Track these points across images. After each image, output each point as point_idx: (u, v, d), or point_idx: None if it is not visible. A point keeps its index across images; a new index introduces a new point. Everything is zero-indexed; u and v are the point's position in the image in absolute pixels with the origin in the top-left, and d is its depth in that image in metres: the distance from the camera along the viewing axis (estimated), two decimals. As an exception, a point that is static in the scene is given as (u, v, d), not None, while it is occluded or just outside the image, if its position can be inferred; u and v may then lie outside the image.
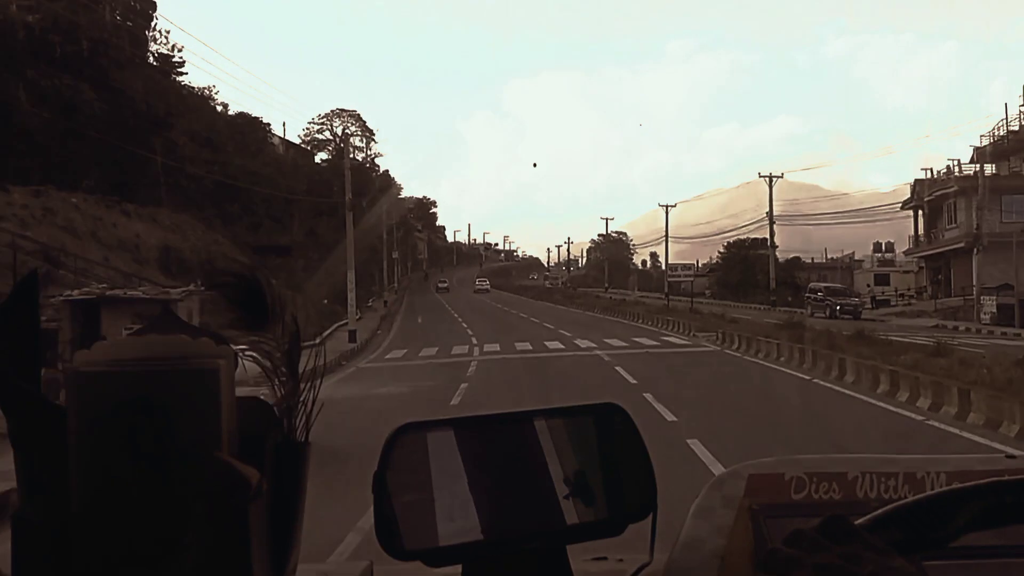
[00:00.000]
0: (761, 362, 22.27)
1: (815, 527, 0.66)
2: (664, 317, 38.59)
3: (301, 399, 1.07)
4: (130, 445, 0.97)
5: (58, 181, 35.48)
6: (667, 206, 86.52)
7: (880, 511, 0.70)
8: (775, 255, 67.26)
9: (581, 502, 1.05)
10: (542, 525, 1.03)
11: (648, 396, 14.85)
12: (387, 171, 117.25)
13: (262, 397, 1.06)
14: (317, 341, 36.08)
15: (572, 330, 34.85)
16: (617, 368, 20.79)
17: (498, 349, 27.95)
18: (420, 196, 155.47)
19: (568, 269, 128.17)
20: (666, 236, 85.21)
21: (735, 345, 26.09)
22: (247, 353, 1.05)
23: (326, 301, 52.46)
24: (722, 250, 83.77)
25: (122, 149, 39.28)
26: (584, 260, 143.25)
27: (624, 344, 28.52)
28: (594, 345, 28.08)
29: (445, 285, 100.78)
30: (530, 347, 28.30)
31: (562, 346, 28.72)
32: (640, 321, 41.22)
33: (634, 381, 18.14)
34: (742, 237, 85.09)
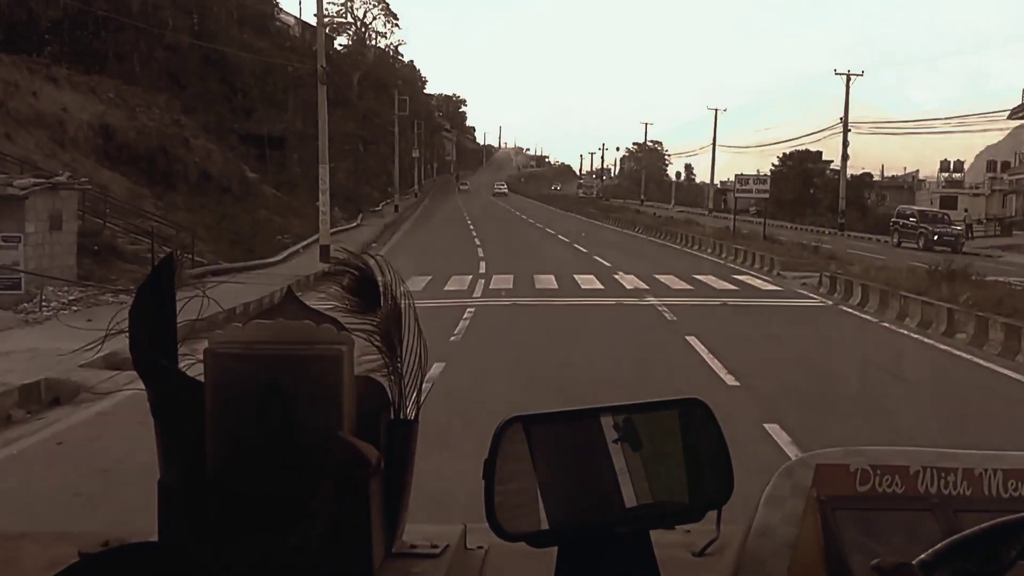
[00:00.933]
0: (930, 341, 13.72)
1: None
2: (729, 244, 30.22)
3: (410, 380, 1.16)
4: (261, 423, 1.07)
5: (14, 47, 28.67)
6: (716, 110, 74.49)
7: (940, 546, 0.74)
8: (846, 169, 55.91)
9: (666, 489, 1.15)
10: (630, 510, 1.11)
11: (791, 449, 5.04)
12: (411, 62, 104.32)
13: (375, 378, 1.11)
14: (280, 257, 26.72)
15: (611, 257, 26.99)
16: (691, 340, 12.85)
17: (511, 287, 20.25)
18: (450, 94, 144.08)
19: (601, 179, 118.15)
20: (713, 144, 73.74)
21: (856, 299, 17.90)
22: (358, 333, 1.10)
23: (319, 203, 41.82)
24: (775, 163, 71.94)
25: (90, 11, 32.18)
26: (617, 170, 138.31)
27: (686, 286, 20.60)
28: (644, 286, 20.28)
29: (466, 187, 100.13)
30: (555, 284, 20.45)
31: (600, 285, 20.70)
32: (695, 247, 33.07)
33: (733, 381, 10.23)
34: (796, 148, 72.50)
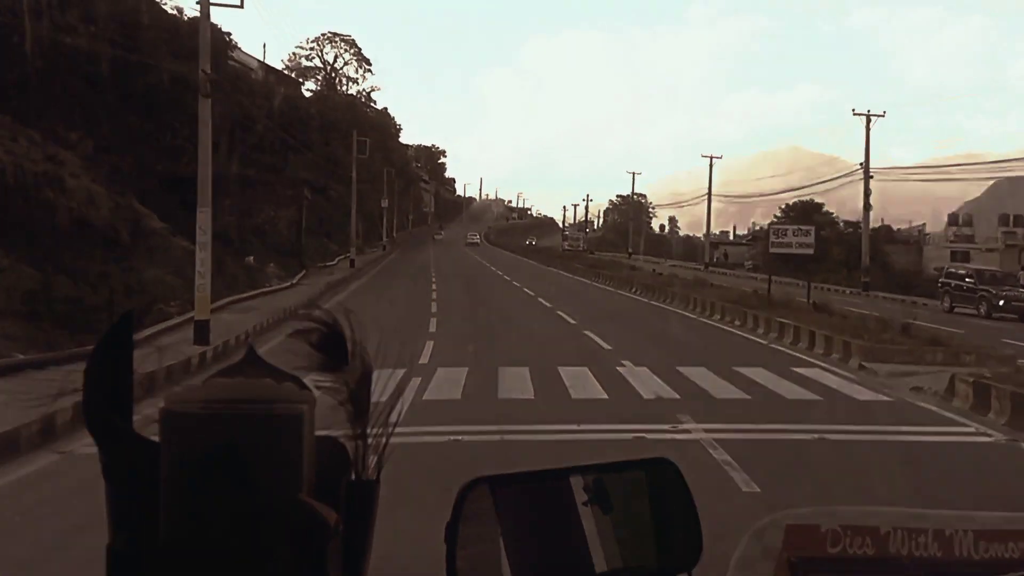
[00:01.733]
0: None
1: None
2: (766, 315, 21.87)
3: (372, 438, 1.12)
4: (218, 487, 1.03)
5: None
6: (711, 157, 67.14)
7: None
8: (868, 220, 47.88)
9: (632, 552, 1.12)
10: (598, 572, 1.09)
11: None
12: (385, 108, 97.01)
13: (337, 437, 1.07)
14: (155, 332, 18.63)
15: (611, 333, 19.56)
16: None
17: (458, 395, 12.36)
18: (429, 145, 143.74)
19: (585, 231, 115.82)
20: (709, 194, 65.88)
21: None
22: (321, 389, 1.08)
23: (252, 259, 32.72)
24: (778, 215, 64.03)
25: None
26: (600, 222, 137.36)
27: (735, 390, 12.86)
28: (669, 391, 12.52)
29: (440, 237, 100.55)
30: (530, 389, 12.67)
31: (600, 389, 12.84)
32: (716, 315, 24.90)
33: None
34: (800, 199, 64.85)
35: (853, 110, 46.00)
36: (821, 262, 67.17)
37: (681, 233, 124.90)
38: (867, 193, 43.52)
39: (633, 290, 33.91)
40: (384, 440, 1.15)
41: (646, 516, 1.16)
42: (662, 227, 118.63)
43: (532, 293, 30.31)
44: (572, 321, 21.27)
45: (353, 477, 1.13)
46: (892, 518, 1.10)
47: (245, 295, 25.91)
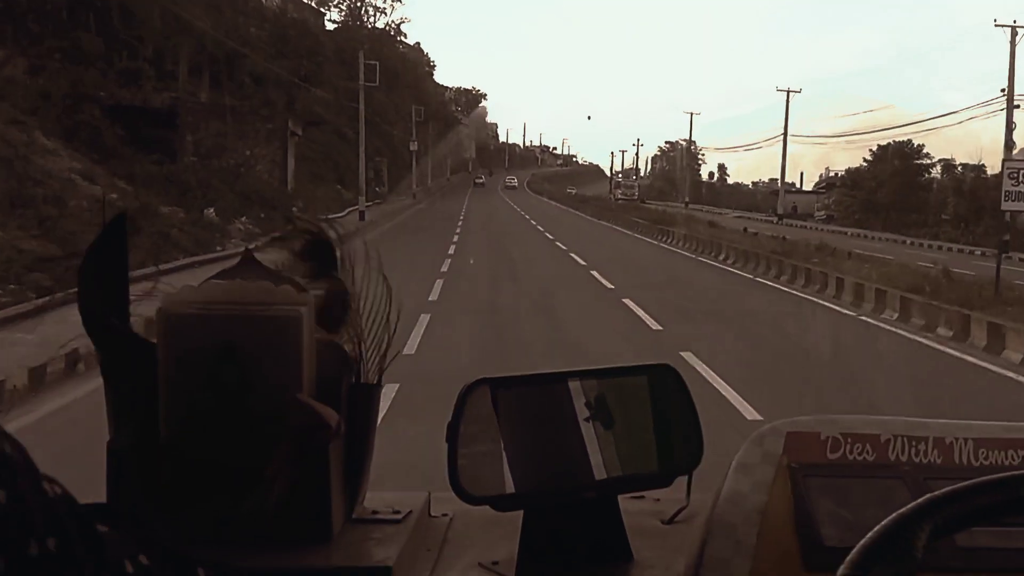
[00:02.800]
0: None
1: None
2: (982, 317, 12.42)
3: (373, 344, 1.13)
4: (215, 385, 1.04)
5: None
6: (788, 91, 55.39)
7: (854, 553, 0.74)
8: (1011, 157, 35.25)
9: (635, 454, 1.14)
10: (598, 475, 1.11)
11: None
12: (418, 43, 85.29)
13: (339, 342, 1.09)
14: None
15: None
16: None
17: None
18: (468, 87, 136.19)
19: (637, 177, 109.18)
20: (785, 133, 54.33)
21: None
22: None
23: (212, 211, 27.47)
24: (867, 158, 52.38)
25: None
26: (647, 169, 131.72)
27: None
28: None
29: (482, 181, 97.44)
30: None
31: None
32: (894, 313, 15.05)
33: None
34: (889, 142, 53.39)
35: (995, 21, 33.91)
36: (920, 212, 55.32)
37: (730, 181, 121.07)
38: (1010, 127, 31.95)
39: (727, 259, 25.82)
40: (384, 346, 1.16)
41: (647, 421, 1.17)
42: (711, 175, 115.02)
43: (595, 272, 20.96)
44: (703, 371, 9.83)
45: (354, 380, 1.15)
46: (893, 426, 1.12)
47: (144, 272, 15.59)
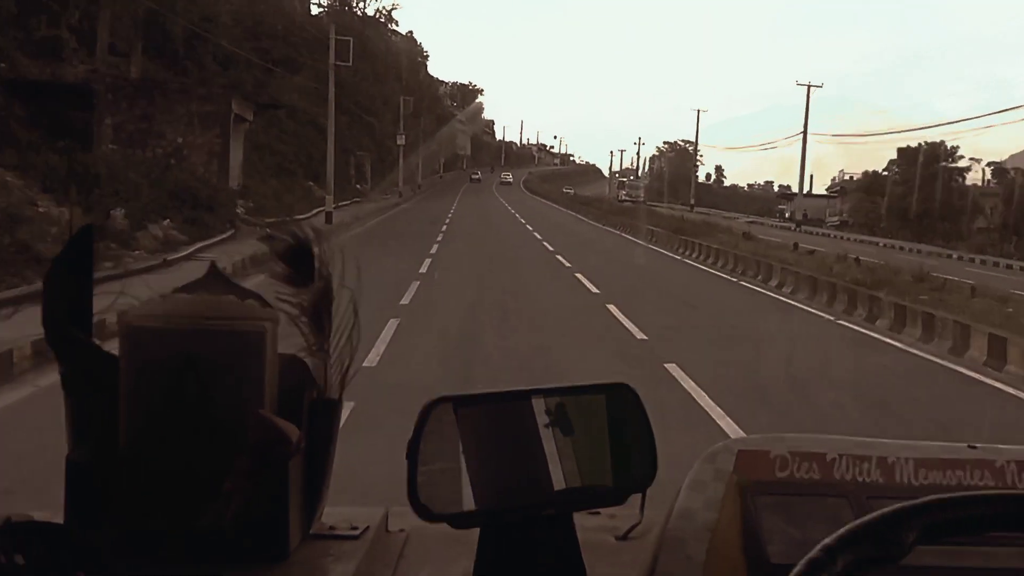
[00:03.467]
0: None
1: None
2: None
3: (336, 358, 1.14)
4: (176, 399, 1.05)
5: None
6: (808, 86, 49.96)
7: (842, 531, 0.78)
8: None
9: (590, 472, 1.16)
10: (554, 492, 1.13)
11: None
12: (411, 32, 79.50)
13: (300, 355, 1.11)
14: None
15: None
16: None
17: None
18: (465, 82, 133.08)
19: (635, 177, 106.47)
20: (804, 132, 48.65)
21: None
22: (282, 308, 1.10)
23: (121, 212, 20.84)
24: (892, 159, 46.45)
25: None
26: (645, 170, 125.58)
27: None
28: None
29: (478, 177, 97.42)
30: None
31: None
32: None
33: None
34: (921, 143, 47.43)
35: None
36: (951, 221, 49.34)
37: (727, 183, 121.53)
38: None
39: (788, 289, 19.16)
40: (347, 361, 1.17)
41: (604, 437, 1.18)
42: (708, 176, 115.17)
43: (613, 307, 15.01)
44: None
45: (316, 396, 1.16)
46: (838, 445, 1.16)
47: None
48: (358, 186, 51.40)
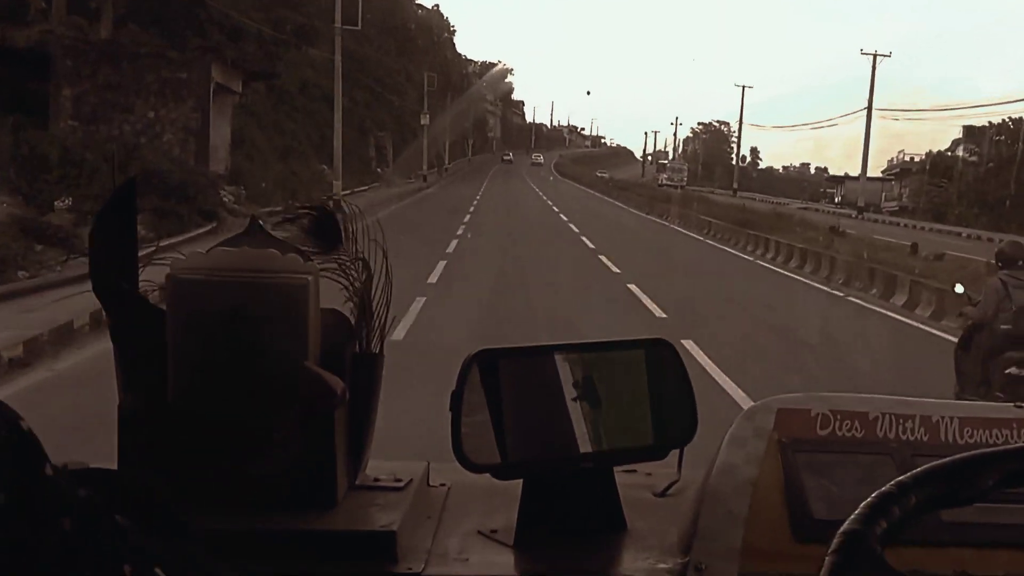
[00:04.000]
0: None
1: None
2: None
3: (376, 313, 1.19)
4: (224, 349, 1.07)
5: None
6: (875, 54, 43.41)
7: (923, 469, 0.79)
8: None
9: (630, 427, 1.19)
10: (595, 447, 1.17)
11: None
12: (436, 6, 74.55)
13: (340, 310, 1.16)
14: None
15: None
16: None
17: None
18: (494, 61, 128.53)
19: (677, 158, 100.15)
20: (869, 107, 42.48)
21: None
22: (323, 271, 1.14)
23: (68, 201, 16.35)
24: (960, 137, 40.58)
25: None
26: (679, 152, 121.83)
27: None
28: None
29: (509, 158, 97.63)
30: None
31: None
32: None
33: None
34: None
35: None
36: None
37: (762, 165, 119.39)
38: None
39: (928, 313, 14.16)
40: (385, 315, 1.21)
41: (644, 393, 1.20)
42: (743, 158, 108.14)
43: (691, 344, 9.25)
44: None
45: (358, 349, 1.19)
46: (880, 404, 1.17)
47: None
48: (379, 169, 46.84)
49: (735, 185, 68.03)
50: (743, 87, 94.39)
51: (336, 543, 1.09)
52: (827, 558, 0.72)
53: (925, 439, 1.13)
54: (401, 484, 1.21)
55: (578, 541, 1.16)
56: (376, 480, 1.22)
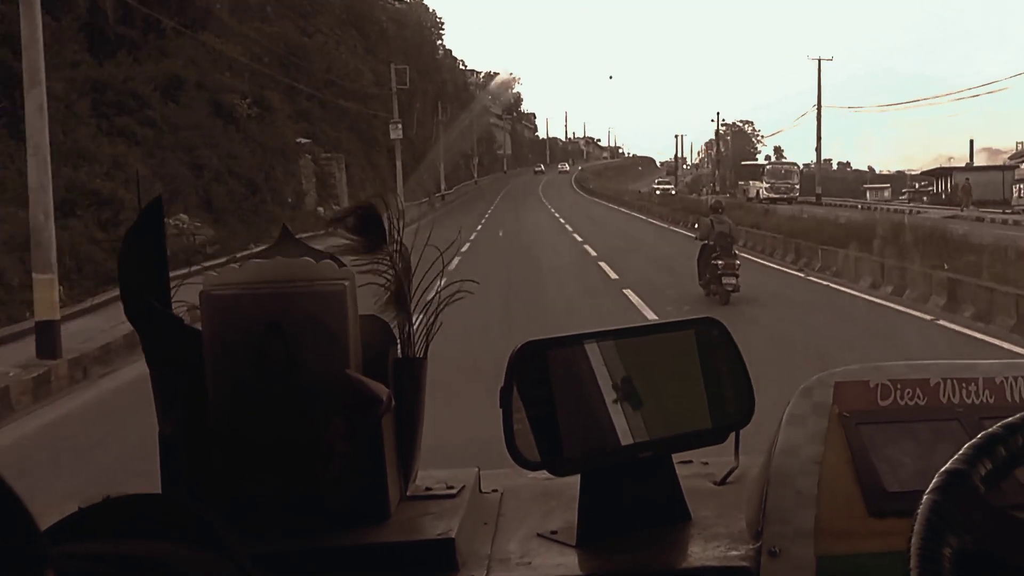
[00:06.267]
0: None
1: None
2: None
3: (418, 317, 1.19)
4: (262, 366, 1.05)
5: None
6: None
7: (1015, 418, 0.80)
8: None
9: (687, 411, 1.17)
10: (652, 434, 1.15)
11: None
12: (433, 10, 72.45)
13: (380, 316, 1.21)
14: None
15: None
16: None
17: None
18: (499, 72, 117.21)
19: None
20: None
21: None
22: (366, 273, 1.18)
23: None
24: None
25: None
26: (702, 157, 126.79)
27: None
28: None
29: (541, 169, 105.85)
30: None
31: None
32: None
33: None
34: None
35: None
36: None
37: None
38: None
39: None
40: (430, 318, 1.18)
41: (697, 375, 1.15)
42: (768, 158, 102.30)
43: None
44: None
45: (400, 354, 1.18)
46: (940, 370, 1.13)
47: None
48: (320, 209, 29.24)
49: (818, 191, 50.30)
50: (819, 59, 71.06)
51: (393, 555, 1.07)
52: (926, 496, 0.70)
53: (991, 401, 1.09)
54: (454, 492, 1.19)
55: (643, 535, 1.14)
56: (428, 489, 1.21)
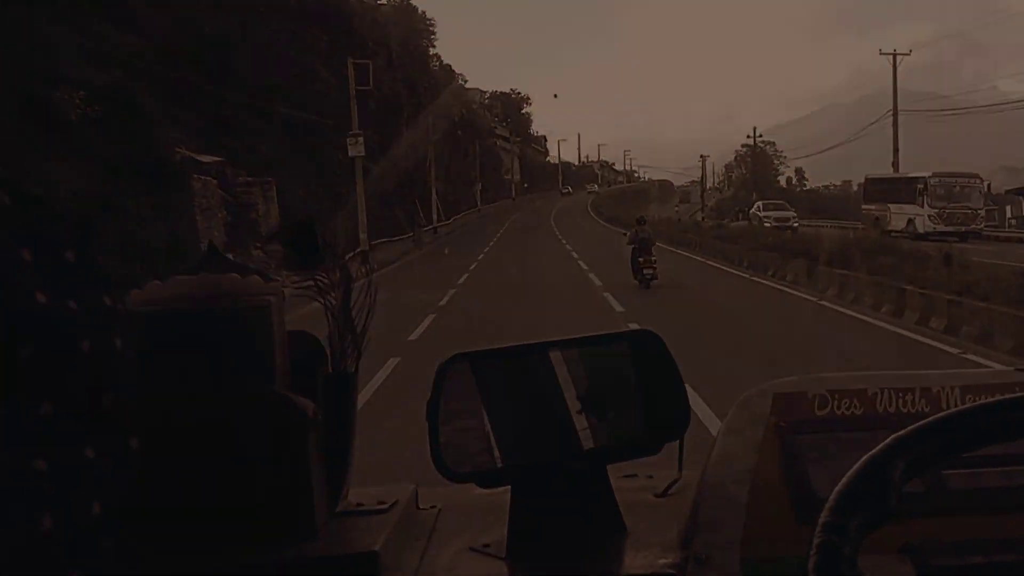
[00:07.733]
0: None
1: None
2: None
3: (349, 331, 1.20)
4: (185, 383, 1.06)
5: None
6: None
7: (917, 425, 0.80)
8: None
9: (620, 423, 1.20)
10: (584, 446, 1.18)
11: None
12: (423, 11, 64.16)
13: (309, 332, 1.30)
14: None
15: None
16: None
17: None
18: (507, 90, 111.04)
19: (706, 190, 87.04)
20: None
21: None
22: (297, 288, 1.18)
23: None
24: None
25: None
26: (721, 179, 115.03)
27: None
28: None
29: (568, 191, 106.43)
30: None
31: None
32: None
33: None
34: None
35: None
36: None
37: (808, 185, 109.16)
38: None
39: None
40: (360, 332, 1.18)
41: (631, 387, 1.16)
42: (788, 180, 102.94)
43: None
44: None
45: (330, 370, 1.19)
46: (878, 380, 1.16)
47: None
48: (255, 252, 18.77)
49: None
50: (894, 52, 56.13)
51: (315, 571, 1.07)
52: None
53: (927, 410, 1.12)
54: (385, 507, 1.19)
55: (574, 547, 1.16)
56: (359, 505, 1.21)
